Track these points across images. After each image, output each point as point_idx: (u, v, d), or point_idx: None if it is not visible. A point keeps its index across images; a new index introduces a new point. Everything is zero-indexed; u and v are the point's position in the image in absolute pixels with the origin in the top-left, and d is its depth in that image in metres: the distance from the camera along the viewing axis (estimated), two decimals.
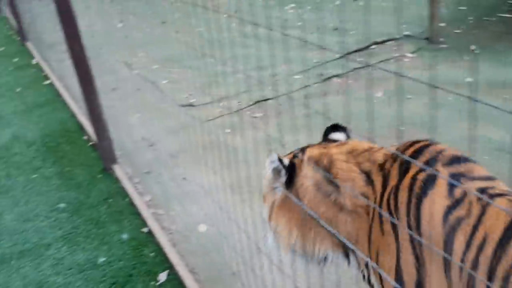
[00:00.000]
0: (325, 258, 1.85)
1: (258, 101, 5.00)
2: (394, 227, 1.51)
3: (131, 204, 3.74)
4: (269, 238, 2.00)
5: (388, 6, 7.16)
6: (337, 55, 5.69)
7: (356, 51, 5.78)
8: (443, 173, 1.46)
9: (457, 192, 1.42)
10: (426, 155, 1.53)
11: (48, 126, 5.43)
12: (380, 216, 1.56)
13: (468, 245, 1.35)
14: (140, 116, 5.26)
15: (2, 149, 5.02)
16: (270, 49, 6.33)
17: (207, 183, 3.84)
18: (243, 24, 7.65)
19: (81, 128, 5.22)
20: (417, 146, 1.58)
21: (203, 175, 3.95)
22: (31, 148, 4.95)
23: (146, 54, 7.31)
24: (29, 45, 8.76)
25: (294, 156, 1.86)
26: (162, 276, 2.98)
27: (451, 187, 1.43)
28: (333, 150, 1.76)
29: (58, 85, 6.47)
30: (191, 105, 5.30)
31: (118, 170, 4.14)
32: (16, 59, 8.28)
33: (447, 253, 1.38)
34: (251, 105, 5.01)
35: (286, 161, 1.84)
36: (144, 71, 6.57)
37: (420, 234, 1.43)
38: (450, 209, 1.40)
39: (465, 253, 1.35)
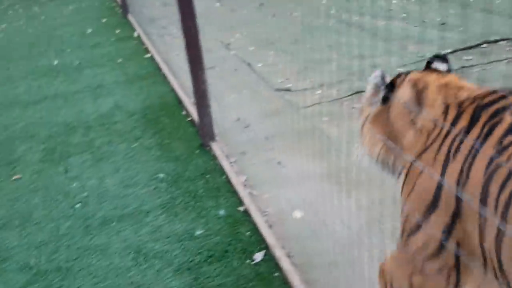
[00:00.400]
0: (401, 173, 2.03)
1: (358, 92, 4.90)
2: (446, 162, 1.66)
3: (228, 182, 3.80)
4: (358, 149, 2.25)
5: (503, 3, 6.77)
6: (444, 51, 5.45)
7: (465, 48, 5.52)
8: (506, 121, 1.56)
9: (506, 140, 1.51)
10: (498, 105, 1.63)
11: (148, 98, 5.62)
12: (439, 146, 1.72)
13: (502, 187, 1.45)
14: (236, 96, 5.32)
15: (104, 117, 5.27)
16: (371, 39, 6.19)
17: (302, 169, 3.84)
18: (343, 10, 7.53)
19: (179, 102, 5.36)
20: (494, 96, 1.68)
21: (298, 161, 3.94)
22: (132, 118, 5.15)
23: (243, 36, 7.38)
24: (131, 18, 9.09)
25: (398, 76, 2.05)
26: (258, 256, 3.02)
27: (504, 136, 1.53)
28: (432, 78, 1.92)
29: (158, 59, 6.67)
30: (287, 89, 5.29)
31: (216, 148, 4.22)
32: (118, 31, 8.62)
33: (483, 196, 1.50)
34: (350, 95, 4.93)
35: (388, 78, 2.05)
36: (240, 52, 6.64)
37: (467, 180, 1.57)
38: (494, 157, 1.51)
39: (499, 194, 1.45)
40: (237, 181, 3.72)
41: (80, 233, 3.51)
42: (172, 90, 5.70)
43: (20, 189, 4.13)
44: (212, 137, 4.30)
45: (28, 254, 3.35)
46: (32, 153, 4.68)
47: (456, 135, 1.67)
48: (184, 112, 5.12)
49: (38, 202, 3.91)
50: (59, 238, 3.47)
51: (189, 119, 4.95)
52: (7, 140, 5.02)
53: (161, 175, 4.06)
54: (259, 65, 6.06)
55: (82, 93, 5.99)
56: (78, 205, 3.82)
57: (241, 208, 3.49)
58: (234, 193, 3.66)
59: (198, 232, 3.34)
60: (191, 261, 3.09)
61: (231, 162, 4.04)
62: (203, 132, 4.30)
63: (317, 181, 3.65)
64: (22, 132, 5.15)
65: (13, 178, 4.29)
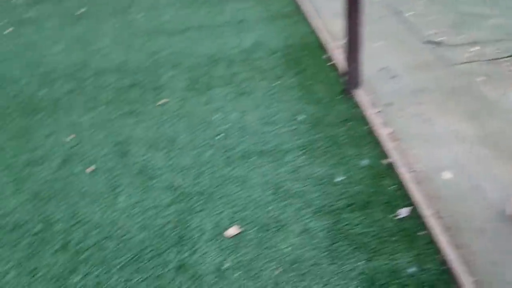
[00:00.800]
0: None
1: None
2: None
3: (371, 132, 3.69)
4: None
5: None
6: None
7: None
8: None
9: None
10: None
11: (290, 37, 5.55)
12: None
13: None
14: (381, 45, 5.08)
15: (247, 52, 5.29)
16: None
17: (453, 129, 3.61)
18: None
19: (320, 45, 5.23)
20: None
21: (449, 119, 3.72)
22: (273, 56, 5.13)
23: None
24: None
25: None
26: (403, 212, 2.92)
27: None
28: None
29: None
30: (438, 43, 4.95)
31: (360, 95, 4.09)
32: None
33: None
34: (510, 56, 4.50)
35: None
36: None
37: None
38: None
39: None
40: (382, 133, 3.59)
41: (222, 163, 3.61)
42: (314, 32, 5.57)
43: (166, 114, 4.31)
44: (356, 84, 4.16)
45: (173, 175, 3.52)
46: (177, 81, 4.85)
47: None
48: (324, 56, 4.99)
49: (183, 128, 4.07)
50: (202, 165, 3.60)
51: (330, 63, 4.82)
52: (154, 66, 5.23)
53: (302, 117, 4.03)
54: (409, 13, 5.71)
55: (225, 27, 6.05)
56: (220, 136, 3.91)
57: (385, 161, 3.37)
58: (378, 144, 3.54)
59: (338, 179, 3.29)
60: (331, 206, 3.07)
61: (375, 112, 3.90)
62: (349, 78, 4.16)
63: (470, 143, 3.42)
64: (167, 60, 5.33)
65: (159, 102, 4.49)
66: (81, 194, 3.41)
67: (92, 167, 3.67)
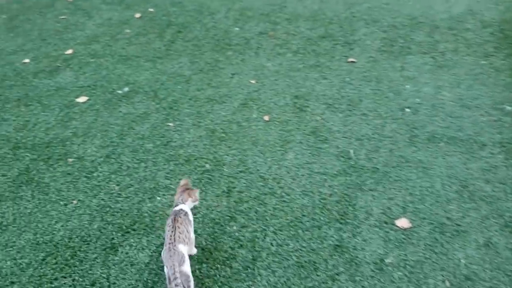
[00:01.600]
0: None
1: None
2: None
3: None
4: None
5: None
6: None
7: None
8: None
9: None
10: None
11: (509, 10, 4.80)
12: None
13: None
14: None
15: (455, 20, 4.71)
16: None
17: None
18: None
19: None
20: None
21: None
22: (485, 30, 4.49)
23: None
24: None
25: None
26: None
27: None
28: None
29: None
30: None
31: None
32: None
33: None
34: None
35: None
36: None
37: None
38: None
39: None
40: None
41: (404, 141, 3.27)
42: None
43: (353, 73, 4.04)
44: None
45: (348, 143, 3.29)
46: (371, 39, 4.51)
47: None
48: None
49: (368, 93, 3.77)
50: (382, 138, 3.30)
51: None
52: (349, 19, 4.92)
53: (508, 108, 3.47)
54: None
55: None
56: (408, 110, 3.55)
57: None
58: None
59: None
60: None
61: None
62: None
63: None
64: (364, 14, 4.98)
65: (349, 60, 4.21)
66: (253, 141, 3.35)
67: (268, 116, 3.58)
